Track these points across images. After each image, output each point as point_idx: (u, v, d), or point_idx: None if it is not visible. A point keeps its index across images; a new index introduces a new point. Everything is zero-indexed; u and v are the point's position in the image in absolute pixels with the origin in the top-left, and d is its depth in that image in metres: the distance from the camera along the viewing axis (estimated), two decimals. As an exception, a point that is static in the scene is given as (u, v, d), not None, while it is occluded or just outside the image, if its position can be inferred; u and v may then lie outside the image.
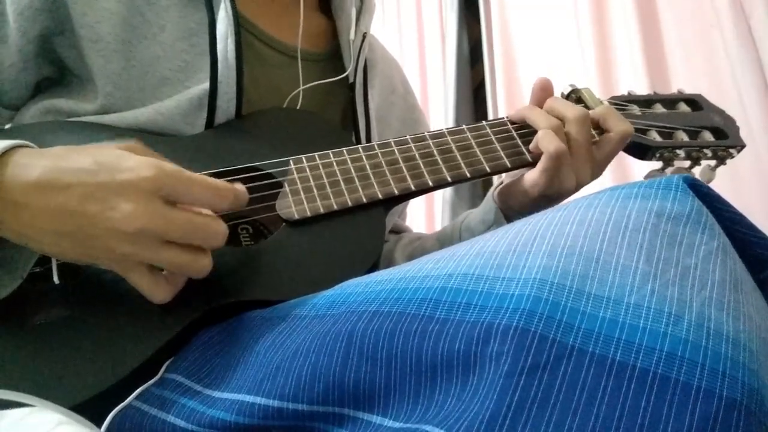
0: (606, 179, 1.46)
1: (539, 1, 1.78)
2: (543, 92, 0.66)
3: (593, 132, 0.63)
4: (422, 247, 0.77)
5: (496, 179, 0.79)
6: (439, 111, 1.97)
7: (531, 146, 0.61)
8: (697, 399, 0.26)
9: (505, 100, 1.79)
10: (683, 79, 1.41)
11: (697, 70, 1.40)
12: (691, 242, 0.32)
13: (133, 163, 0.42)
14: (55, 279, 0.46)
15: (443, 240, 0.74)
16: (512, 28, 1.84)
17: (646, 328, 0.28)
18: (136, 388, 0.43)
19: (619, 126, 0.62)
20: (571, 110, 0.61)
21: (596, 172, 0.63)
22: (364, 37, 0.72)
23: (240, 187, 0.47)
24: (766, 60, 1.31)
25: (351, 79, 0.71)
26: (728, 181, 1.31)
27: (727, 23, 1.36)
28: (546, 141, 0.59)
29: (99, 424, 0.41)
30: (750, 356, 0.28)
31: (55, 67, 0.61)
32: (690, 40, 1.44)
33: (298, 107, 0.67)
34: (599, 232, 0.32)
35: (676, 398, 0.26)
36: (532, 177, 0.61)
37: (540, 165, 0.59)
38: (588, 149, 0.61)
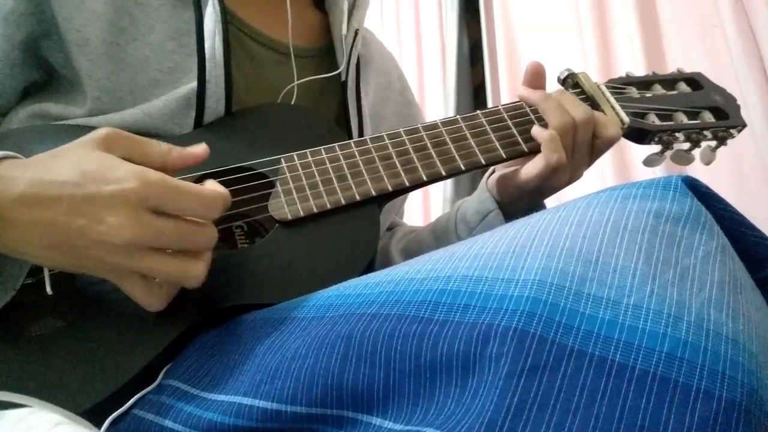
0: (606, 175, 1.47)
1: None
2: (536, 77, 0.66)
3: None
4: (417, 239, 0.76)
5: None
6: (439, 111, 1.97)
7: (533, 132, 0.60)
8: (697, 400, 0.26)
9: (509, 99, 1.78)
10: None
11: (698, 68, 1.40)
12: (690, 243, 0.32)
13: (118, 174, 0.41)
14: (48, 290, 0.45)
15: (438, 231, 0.73)
16: (515, 26, 1.84)
17: (645, 329, 0.28)
18: (134, 393, 0.43)
19: (606, 132, 0.62)
20: (580, 111, 0.61)
21: (587, 167, 0.64)
22: (356, 33, 0.71)
23: (224, 192, 0.45)
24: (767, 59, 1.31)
25: (343, 77, 0.70)
26: (729, 180, 1.30)
27: (729, 21, 1.35)
28: (549, 150, 0.58)
29: (96, 426, 0.41)
30: (749, 357, 0.28)
31: (43, 71, 0.60)
32: (691, 39, 1.44)
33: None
34: (598, 233, 0.32)
35: (676, 399, 0.26)
36: (526, 175, 0.61)
37: (536, 169, 0.60)
38: (588, 151, 0.62)
